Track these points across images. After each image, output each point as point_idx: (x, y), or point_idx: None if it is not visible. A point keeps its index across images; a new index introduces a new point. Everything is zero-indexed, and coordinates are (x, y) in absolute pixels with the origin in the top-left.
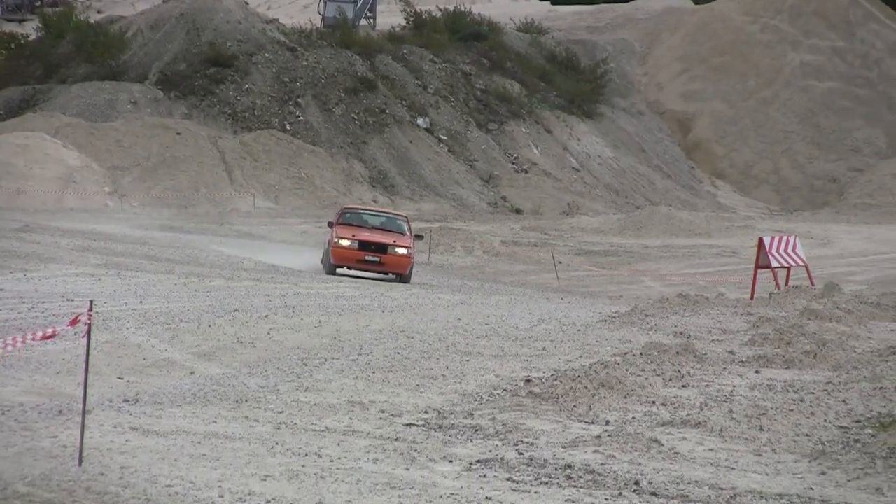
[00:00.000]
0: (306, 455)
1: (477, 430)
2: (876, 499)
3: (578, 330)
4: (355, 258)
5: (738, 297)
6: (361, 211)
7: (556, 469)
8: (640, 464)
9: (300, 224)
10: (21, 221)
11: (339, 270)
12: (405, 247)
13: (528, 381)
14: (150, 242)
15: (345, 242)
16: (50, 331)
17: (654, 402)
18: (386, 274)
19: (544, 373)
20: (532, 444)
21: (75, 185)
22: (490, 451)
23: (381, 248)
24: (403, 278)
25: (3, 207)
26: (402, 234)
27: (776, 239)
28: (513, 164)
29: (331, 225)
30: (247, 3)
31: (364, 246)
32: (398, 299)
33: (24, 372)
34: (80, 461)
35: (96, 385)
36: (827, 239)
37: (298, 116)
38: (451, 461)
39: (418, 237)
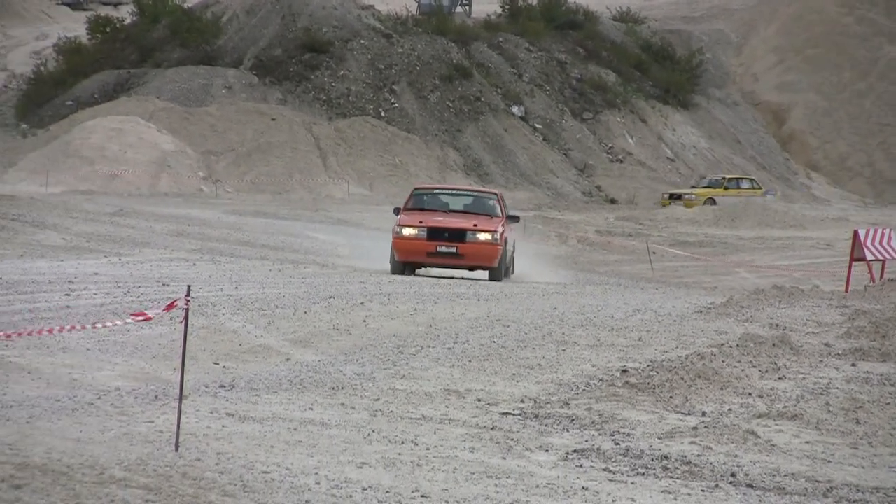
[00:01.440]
0: (402, 443)
1: (573, 420)
2: None
3: (674, 320)
4: (425, 251)
5: (832, 290)
6: (437, 190)
7: (652, 460)
8: (736, 455)
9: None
10: (115, 206)
11: (407, 269)
12: (490, 231)
13: (624, 371)
14: (244, 228)
15: (409, 231)
16: (145, 315)
17: (750, 394)
18: (471, 269)
19: (640, 363)
20: (628, 435)
21: (169, 170)
22: (586, 442)
23: (458, 236)
24: (493, 273)
25: (97, 191)
26: (490, 216)
27: (871, 231)
28: (607, 153)
29: (397, 211)
30: None
31: (435, 234)
32: (493, 288)
33: (120, 356)
34: (177, 446)
35: (192, 370)
36: None
37: (393, 103)
38: (547, 451)
39: (512, 219)
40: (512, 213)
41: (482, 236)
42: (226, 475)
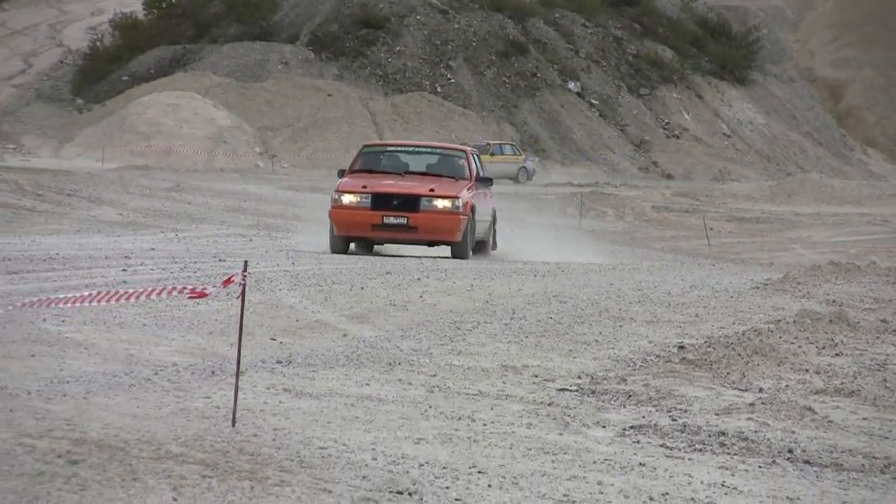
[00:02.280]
0: (459, 419)
1: (630, 396)
2: None
3: (731, 296)
4: (369, 222)
5: (889, 266)
6: (391, 148)
7: (709, 436)
8: (793, 432)
9: None
10: (171, 181)
11: (361, 247)
12: (450, 197)
13: (681, 347)
14: (300, 204)
15: (350, 199)
16: (200, 288)
17: (807, 370)
18: (429, 244)
19: (697, 339)
20: (685, 411)
21: (225, 146)
22: (643, 418)
23: (410, 203)
24: (457, 250)
25: (153, 167)
26: (455, 178)
27: None
28: (664, 129)
29: (341, 174)
30: None
31: (381, 201)
32: (550, 263)
33: (176, 332)
34: (234, 422)
35: (249, 346)
36: None
37: (450, 79)
38: (604, 427)
39: (483, 182)
40: (486, 174)
41: (440, 203)
42: (283, 451)
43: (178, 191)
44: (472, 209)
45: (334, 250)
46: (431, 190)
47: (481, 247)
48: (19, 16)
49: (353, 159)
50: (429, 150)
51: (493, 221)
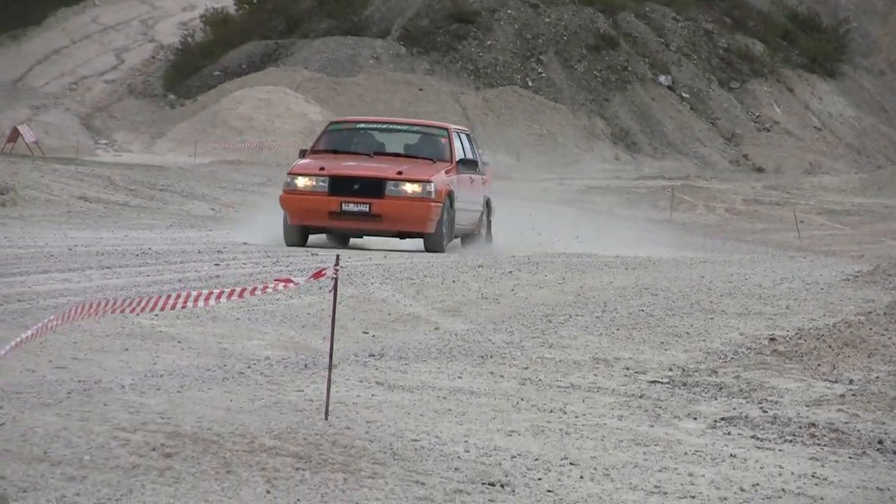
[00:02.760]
0: (551, 411)
1: (721, 388)
2: None
3: (821, 289)
4: (326, 210)
5: None
6: (361, 125)
7: (799, 427)
8: (883, 423)
9: (542, 181)
10: (263, 176)
11: (342, 241)
12: (421, 181)
13: (772, 339)
14: None
15: (304, 182)
16: (293, 281)
17: None
18: (399, 236)
19: (788, 331)
20: (776, 403)
21: None
22: (734, 409)
23: (373, 188)
24: (430, 242)
25: (245, 161)
26: (431, 160)
27: None
28: (755, 122)
29: (303, 154)
30: None
31: (340, 185)
32: (641, 256)
33: (269, 326)
34: (327, 415)
35: (342, 339)
36: None
37: (540, 73)
38: (695, 418)
39: (466, 165)
40: (483, 159)
41: (409, 188)
42: (376, 443)
43: (269, 185)
44: (451, 196)
45: (289, 242)
46: (399, 173)
47: (471, 240)
48: (111, 12)
49: (316, 138)
50: (404, 127)
51: (487, 211)
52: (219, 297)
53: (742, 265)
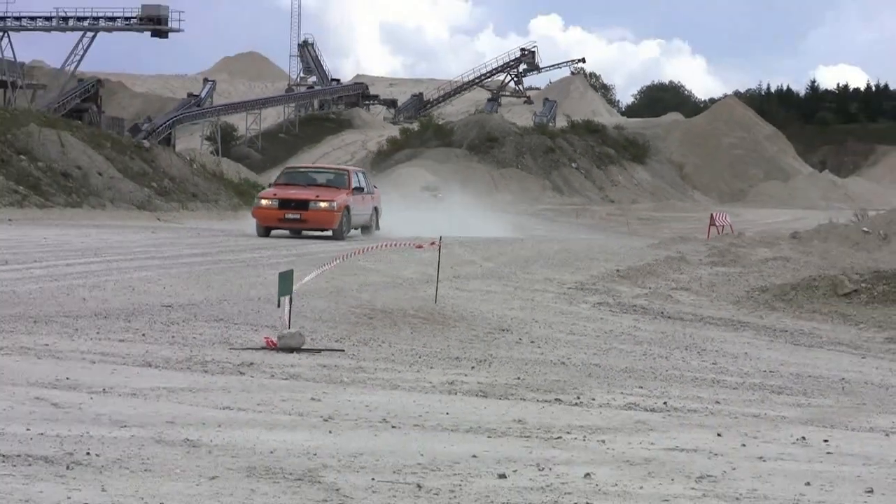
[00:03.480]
0: (528, 300)
1: (596, 291)
2: None
3: (637, 250)
4: (276, 217)
5: None
6: (302, 169)
7: (629, 306)
8: (664, 305)
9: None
10: None
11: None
12: (328, 200)
13: (617, 271)
14: None
15: (265, 202)
16: (422, 246)
17: None
18: (320, 231)
19: (623, 267)
20: (619, 296)
21: None
22: (602, 299)
23: (302, 205)
24: (335, 234)
25: None
26: (337, 188)
27: None
28: (611, 182)
29: (270, 185)
30: None
31: (284, 204)
32: (561, 237)
33: (411, 265)
34: (436, 301)
35: (441, 270)
36: None
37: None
38: (585, 303)
39: (357, 190)
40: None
41: (322, 204)
42: (455, 313)
43: None
44: (348, 208)
45: (259, 235)
46: (317, 196)
47: (366, 230)
48: (353, 134)
49: (277, 177)
50: (324, 170)
51: (375, 214)
52: (386, 246)
53: (604, 240)
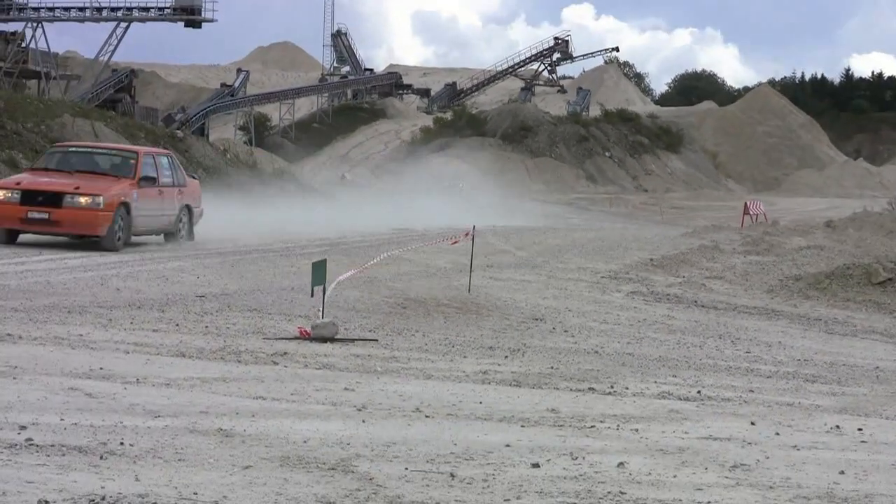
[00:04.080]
0: (561, 289)
1: (630, 280)
2: None
3: (671, 239)
4: (17, 216)
5: None
6: (72, 149)
7: (663, 295)
8: (697, 294)
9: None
10: None
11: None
12: (92, 195)
13: (651, 260)
14: None
15: (2, 194)
16: (457, 240)
17: None
18: (79, 237)
19: (657, 256)
20: (653, 284)
21: None
22: (636, 288)
23: (54, 200)
24: (103, 243)
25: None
26: (116, 177)
27: None
28: (644, 170)
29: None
30: None
31: (28, 197)
32: (597, 225)
33: (445, 255)
34: (469, 290)
35: (475, 260)
36: None
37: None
38: (619, 292)
39: (147, 180)
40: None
41: (83, 200)
42: (489, 302)
43: None
44: (126, 205)
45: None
46: (77, 188)
47: (169, 237)
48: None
49: (39, 159)
50: (103, 151)
51: (186, 215)
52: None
53: (637, 229)
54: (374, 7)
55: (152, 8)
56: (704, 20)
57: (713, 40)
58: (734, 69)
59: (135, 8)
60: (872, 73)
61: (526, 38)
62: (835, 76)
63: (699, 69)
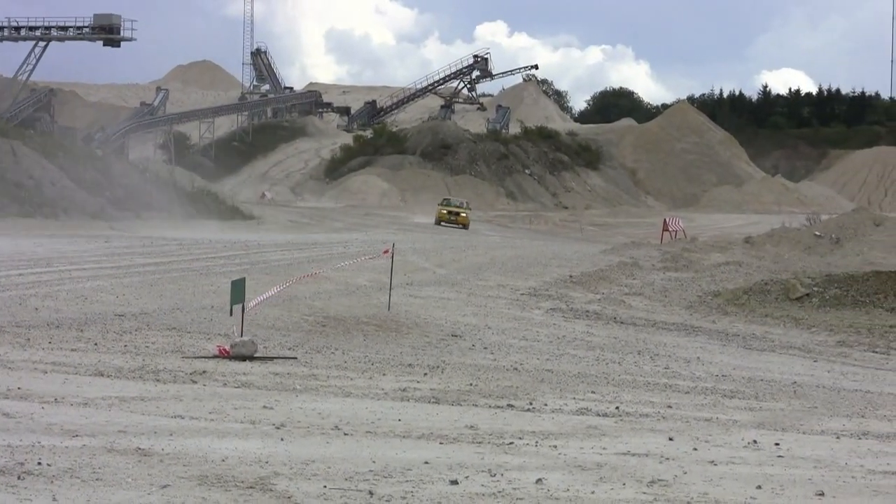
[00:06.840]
0: (480, 306)
1: (550, 297)
2: None
3: (591, 255)
4: None
5: None
6: None
7: (582, 312)
8: (616, 310)
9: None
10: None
11: None
12: None
13: (570, 276)
14: None
15: None
16: (387, 252)
17: None
18: None
19: (576, 273)
20: (572, 301)
21: None
22: (555, 305)
23: None
24: None
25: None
26: None
27: None
28: (564, 188)
29: None
30: None
31: None
32: (518, 243)
33: (367, 272)
34: (389, 308)
35: (395, 278)
36: None
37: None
38: (538, 309)
39: None
40: None
41: None
42: (409, 320)
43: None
44: None
45: None
46: None
47: None
48: (308, 142)
49: None
50: None
51: None
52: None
53: (557, 246)
54: (287, 26)
55: (71, 27)
56: (615, 37)
57: (624, 57)
58: (647, 86)
59: (53, 27)
60: (790, 89)
61: (440, 56)
62: (752, 93)
63: (613, 86)
